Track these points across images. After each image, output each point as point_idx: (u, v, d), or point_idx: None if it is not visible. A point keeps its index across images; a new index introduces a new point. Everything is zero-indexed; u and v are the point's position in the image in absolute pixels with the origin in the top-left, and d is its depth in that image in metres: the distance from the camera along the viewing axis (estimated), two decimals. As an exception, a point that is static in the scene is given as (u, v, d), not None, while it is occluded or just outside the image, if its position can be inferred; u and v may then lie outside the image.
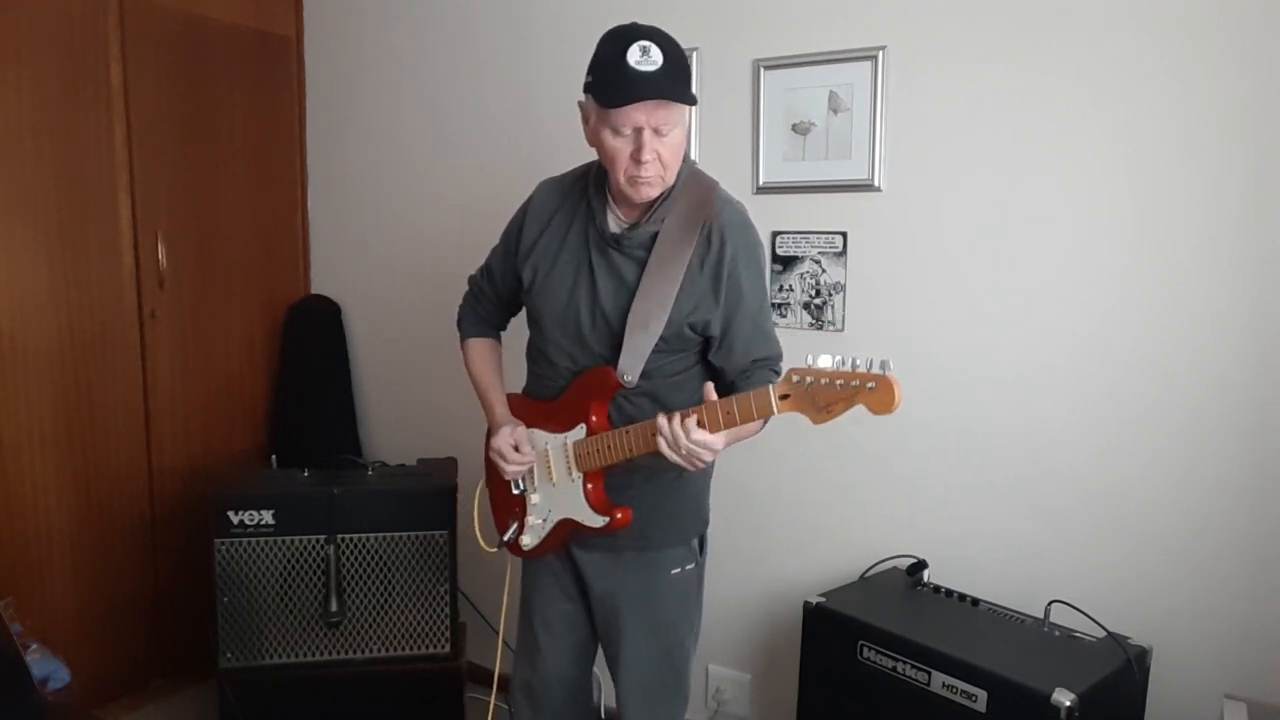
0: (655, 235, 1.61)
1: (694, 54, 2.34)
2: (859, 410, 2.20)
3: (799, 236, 2.25)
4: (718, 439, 1.48)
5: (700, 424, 1.46)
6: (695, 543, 1.81)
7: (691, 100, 1.53)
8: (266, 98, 3.07)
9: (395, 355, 3.09)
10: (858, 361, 1.34)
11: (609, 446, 1.62)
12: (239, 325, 3.04)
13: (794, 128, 2.23)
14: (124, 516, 2.73)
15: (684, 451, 1.47)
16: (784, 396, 1.41)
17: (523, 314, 1.86)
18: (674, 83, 1.49)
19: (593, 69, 1.53)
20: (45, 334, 2.52)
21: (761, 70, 2.25)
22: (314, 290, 3.25)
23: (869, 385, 1.32)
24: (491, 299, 1.90)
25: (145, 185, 2.71)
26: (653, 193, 1.57)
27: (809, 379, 1.38)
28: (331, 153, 3.16)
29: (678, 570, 1.77)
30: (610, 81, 1.49)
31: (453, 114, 2.85)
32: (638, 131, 1.50)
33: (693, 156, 2.36)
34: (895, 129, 2.11)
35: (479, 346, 1.91)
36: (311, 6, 3.14)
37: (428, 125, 2.91)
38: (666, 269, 1.60)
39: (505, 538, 1.82)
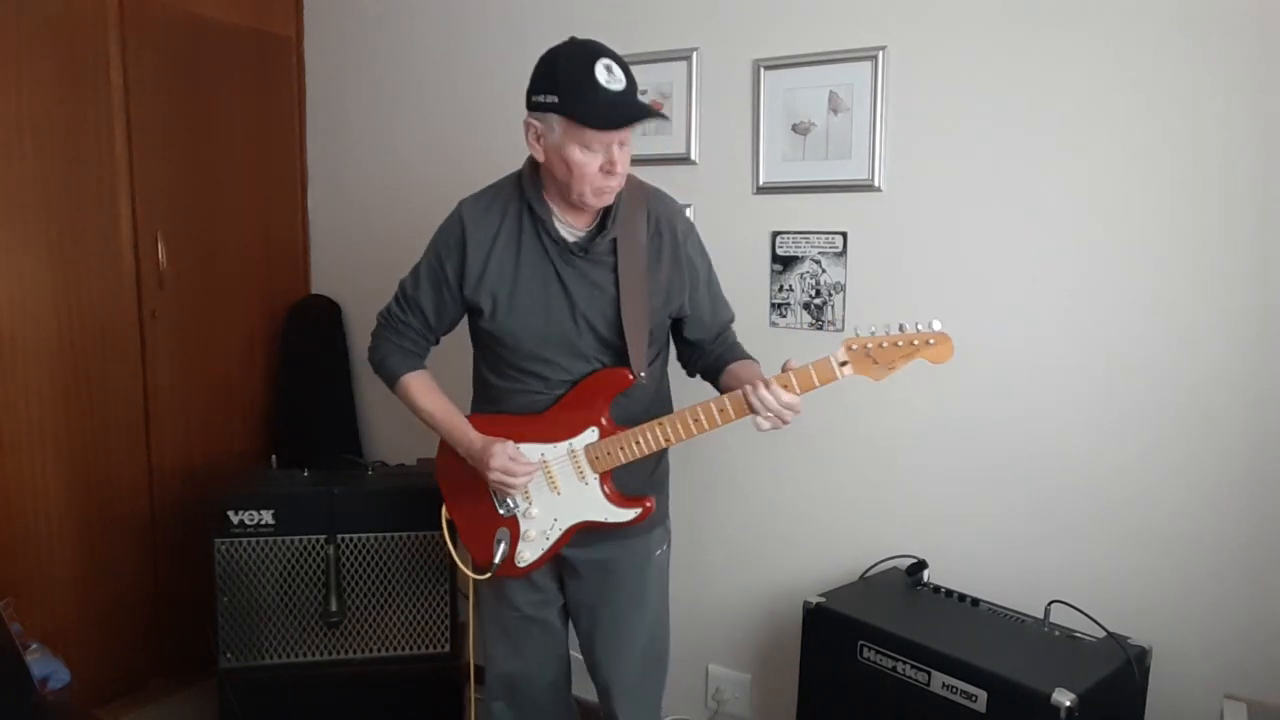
0: (615, 239, 1.68)
1: (694, 54, 2.34)
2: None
3: (799, 236, 2.25)
4: (799, 401, 1.59)
5: (786, 388, 1.58)
6: (668, 523, 1.93)
7: (663, 115, 1.67)
8: (266, 98, 3.07)
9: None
10: (904, 325, 1.55)
11: (635, 443, 1.68)
12: (239, 325, 3.04)
13: (794, 128, 2.23)
14: (124, 516, 2.73)
15: (773, 414, 1.58)
16: (844, 363, 1.58)
17: (453, 338, 1.88)
18: (639, 99, 1.60)
19: (557, 90, 1.53)
20: (45, 334, 2.52)
21: (761, 70, 2.25)
22: (314, 290, 3.25)
23: (930, 341, 1.53)
24: (419, 332, 1.83)
25: (145, 185, 2.71)
26: (611, 199, 1.65)
27: (869, 344, 1.56)
28: (331, 153, 3.16)
29: (659, 551, 1.88)
30: (589, 103, 1.51)
31: (452, 114, 2.85)
32: (607, 147, 1.56)
33: (693, 157, 2.38)
34: (895, 129, 2.11)
35: (419, 380, 1.84)
36: (311, 6, 3.14)
37: (427, 125, 2.91)
38: (635, 269, 1.69)
39: (497, 560, 1.75)
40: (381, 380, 1.89)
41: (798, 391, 1.58)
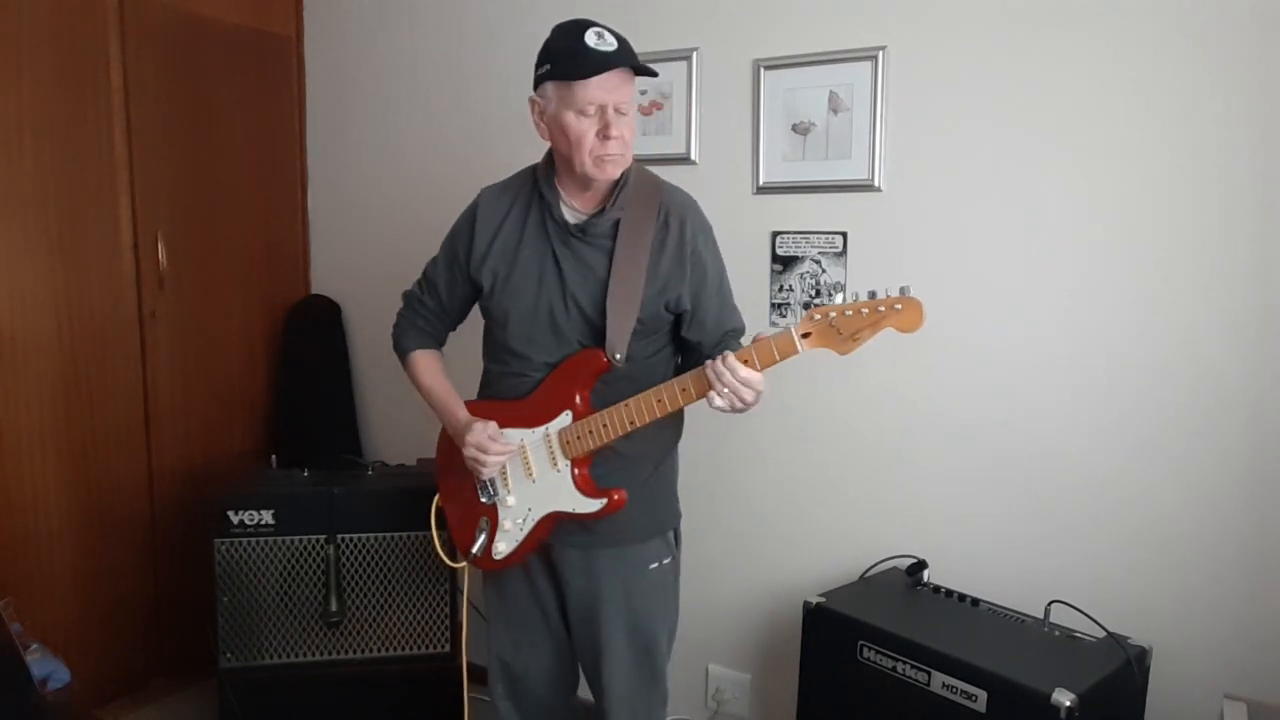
0: (617, 223, 1.66)
1: (694, 54, 2.34)
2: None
3: (799, 236, 2.25)
4: (759, 378, 1.51)
5: (747, 363, 1.51)
6: (671, 536, 1.84)
7: (653, 71, 1.61)
8: (266, 98, 3.07)
9: (395, 355, 3.08)
10: (875, 292, 1.43)
11: (605, 425, 1.64)
12: (239, 325, 3.04)
13: (794, 128, 2.23)
14: (124, 516, 2.73)
15: (727, 389, 1.51)
16: (805, 335, 1.47)
17: (466, 327, 1.89)
18: (633, 58, 1.57)
19: (549, 58, 1.59)
20: (45, 334, 2.52)
21: (761, 70, 2.25)
22: (314, 290, 3.25)
23: (896, 307, 1.40)
24: (434, 312, 1.89)
25: (145, 185, 2.71)
26: (616, 172, 1.62)
27: (832, 314, 1.45)
28: (331, 153, 3.16)
29: (655, 565, 1.80)
30: (575, 60, 1.54)
31: (452, 113, 2.85)
32: (601, 110, 1.56)
33: (693, 157, 2.38)
34: (895, 129, 2.11)
35: (426, 358, 1.90)
36: (311, 6, 3.14)
37: (427, 124, 2.92)
38: (633, 254, 1.65)
39: (475, 550, 1.78)
40: (397, 357, 1.94)
41: (758, 367, 1.50)
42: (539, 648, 1.89)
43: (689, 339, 1.78)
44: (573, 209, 1.70)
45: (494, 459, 1.72)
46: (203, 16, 2.84)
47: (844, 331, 1.44)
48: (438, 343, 1.93)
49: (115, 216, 2.66)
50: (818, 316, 1.46)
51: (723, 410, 1.54)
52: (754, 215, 2.30)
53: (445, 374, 1.89)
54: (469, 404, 1.83)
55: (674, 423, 1.78)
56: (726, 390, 1.51)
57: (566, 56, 1.55)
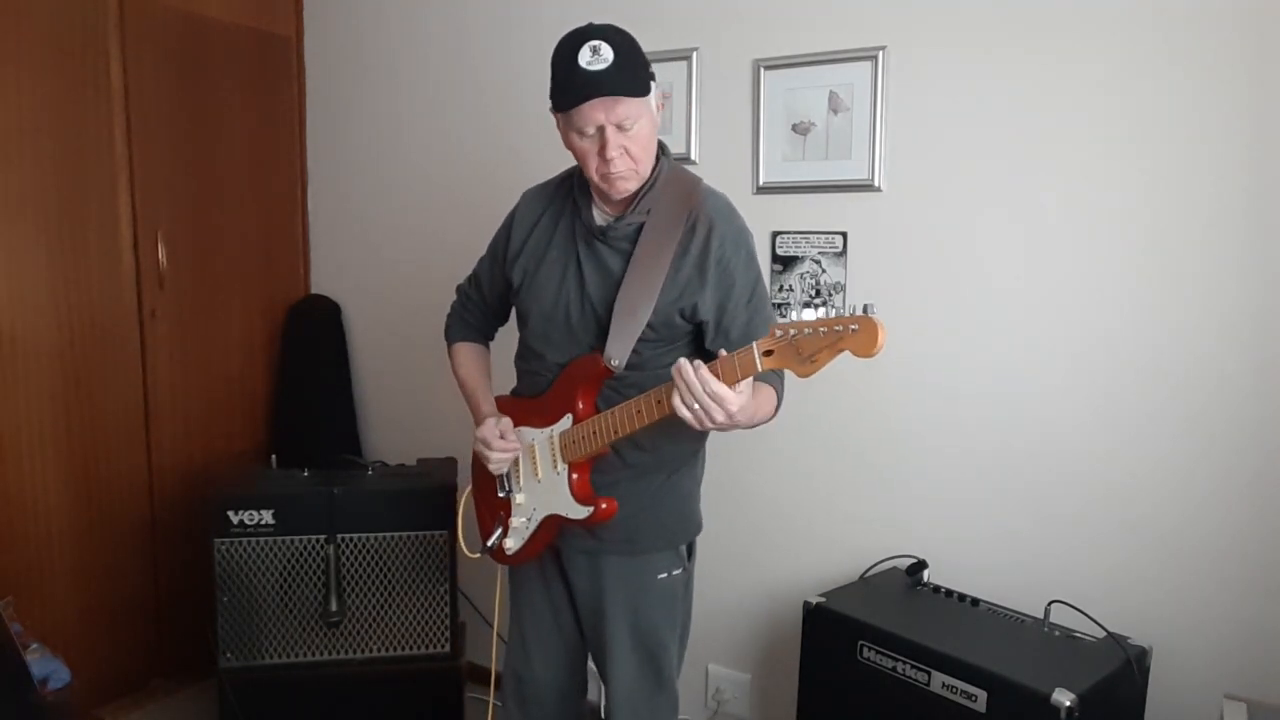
0: (641, 227, 1.64)
1: (694, 54, 2.34)
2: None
3: (799, 236, 2.25)
4: (733, 396, 1.40)
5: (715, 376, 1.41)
6: (684, 549, 1.80)
7: (642, 91, 1.53)
8: (266, 98, 3.07)
9: (395, 355, 3.09)
10: (841, 309, 1.33)
11: (594, 432, 1.62)
12: (239, 325, 3.04)
13: (794, 128, 2.23)
14: (124, 516, 2.73)
15: (697, 402, 1.40)
16: (768, 353, 1.38)
17: (512, 323, 1.88)
18: (624, 78, 1.49)
19: (551, 77, 1.55)
20: (45, 334, 2.52)
21: (761, 70, 2.25)
22: (314, 290, 3.25)
23: (851, 328, 1.29)
24: (479, 306, 1.92)
25: (145, 185, 2.71)
26: (628, 186, 1.59)
27: (792, 331, 1.35)
28: (331, 153, 3.16)
29: (664, 575, 1.76)
30: (563, 86, 1.52)
31: (452, 114, 2.85)
32: (600, 130, 1.52)
33: (693, 157, 2.37)
34: (895, 129, 2.11)
35: (466, 350, 1.93)
36: (311, 6, 3.14)
37: (427, 125, 2.92)
38: (653, 258, 1.62)
39: (489, 543, 1.81)
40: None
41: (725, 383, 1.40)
42: (550, 651, 1.88)
43: (713, 351, 1.69)
44: (602, 211, 1.69)
45: (498, 455, 1.73)
46: (203, 16, 2.84)
47: (804, 352, 1.34)
48: (483, 336, 1.96)
49: (115, 216, 2.66)
50: (779, 333, 1.37)
51: (689, 421, 1.43)
52: (754, 215, 2.27)
53: (483, 368, 1.91)
54: (498, 399, 1.85)
55: (691, 433, 1.67)
56: (696, 403, 1.40)
57: (558, 79, 1.52)
